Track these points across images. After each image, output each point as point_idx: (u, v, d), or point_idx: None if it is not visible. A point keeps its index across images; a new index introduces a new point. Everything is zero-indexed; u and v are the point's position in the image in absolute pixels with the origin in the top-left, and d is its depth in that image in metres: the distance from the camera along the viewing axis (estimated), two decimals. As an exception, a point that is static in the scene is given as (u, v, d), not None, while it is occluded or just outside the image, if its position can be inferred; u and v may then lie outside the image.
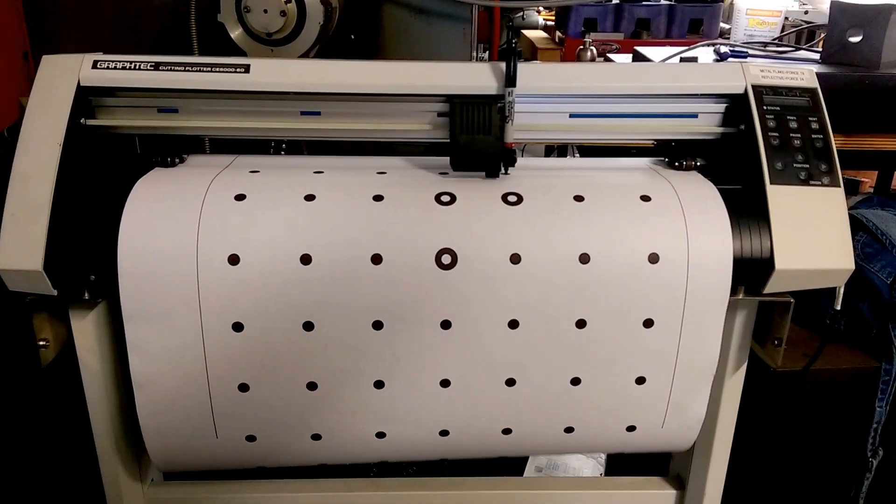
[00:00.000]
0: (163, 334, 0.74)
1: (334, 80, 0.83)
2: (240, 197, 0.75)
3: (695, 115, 0.87)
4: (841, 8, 1.26)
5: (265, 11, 1.21)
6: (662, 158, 0.92)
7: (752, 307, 0.86)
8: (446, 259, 0.74)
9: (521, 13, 3.09)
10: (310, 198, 0.76)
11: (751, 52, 1.35)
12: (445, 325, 0.76)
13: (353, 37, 1.37)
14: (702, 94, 0.86)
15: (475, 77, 0.82)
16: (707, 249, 0.76)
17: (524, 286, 0.75)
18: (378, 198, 0.77)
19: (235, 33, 1.25)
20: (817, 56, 1.33)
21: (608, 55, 1.85)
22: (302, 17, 1.24)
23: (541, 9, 3.18)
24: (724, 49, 1.32)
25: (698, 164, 0.88)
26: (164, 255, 0.72)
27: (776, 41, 1.53)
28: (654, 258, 0.76)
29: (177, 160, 0.85)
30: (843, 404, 1.06)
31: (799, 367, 0.94)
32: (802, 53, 1.38)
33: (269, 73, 0.83)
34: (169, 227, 0.73)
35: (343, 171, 0.83)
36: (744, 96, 0.84)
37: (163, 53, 0.83)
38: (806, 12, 1.95)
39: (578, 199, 0.78)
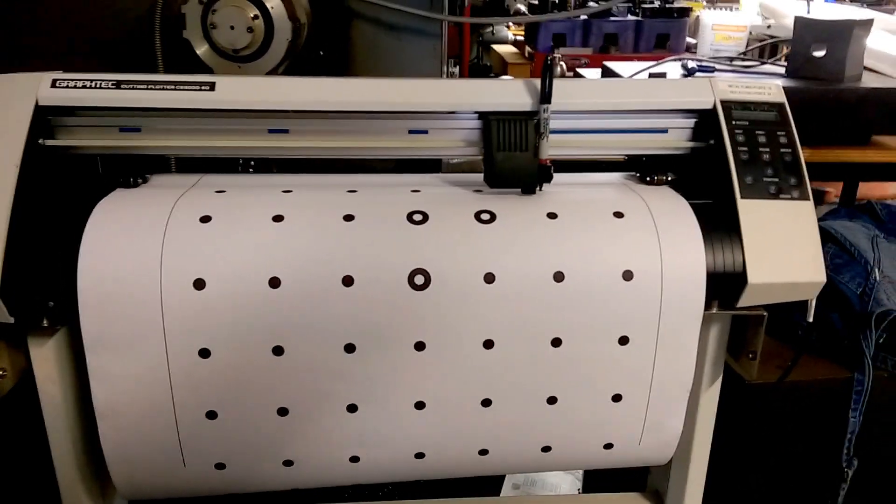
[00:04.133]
0: (126, 362, 0.71)
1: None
2: (205, 219, 0.73)
3: (665, 131, 0.87)
4: (805, 23, 1.28)
5: (231, 28, 1.19)
6: (634, 173, 0.92)
7: (725, 321, 0.86)
8: (419, 279, 0.73)
9: (490, 28, 3.12)
10: (278, 218, 0.74)
11: (717, 66, 1.36)
12: (419, 346, 0.74)
13: (321, 53, 1.36)
14: (671, 110, 0.86)
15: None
16: (680, 265, 0.76)
17: (498, 306, 0.74)
18: (348, 217, 0.75)
19: (201, 50, 1.23)
20: (782, 70, 1.35)
21: (577, 70, 1.86)
22: (269, 33, 1.22)
23: (510, 24, 3.20)
24: (691, 64, 1.33)
25: (669, 178, 0.88)
26: (126, 280, 0.70)
27: (741, 56, 1.55)
28: (628, 275, 0.75)
29: (139, 181, 0.83)
30: (818, 415, 1.07)
31: (773, 378, 0.94)
32: (768, 68, 1.41)
33: (240, 90, 0.81)
34: (131, 251, 0.71)
35: (312, 189, 0.82)
36: (713, 111, 0.84)
37: (128, 70, 0.81)
38: (769, 26, 1.98)
39: (552, 216, 0.77)
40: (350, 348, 0.73)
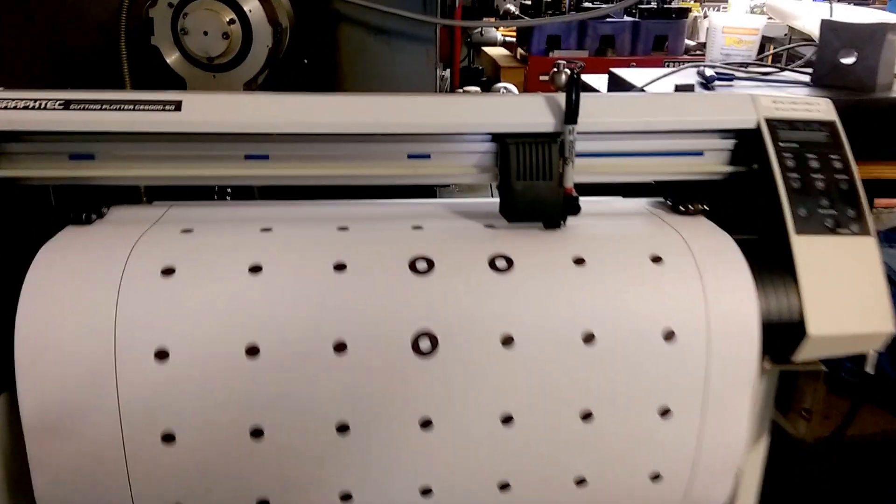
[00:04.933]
0: (73, 448, 0.59)
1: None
2: (168, 271, 0.61)
3: (700, 153, 0.76)
4: (832, 27, 1.18)
5: (205, 33, 1.07)
6: (662, 199, 0.81)
7: (774, 373, 0.75)
8: (425, 344, 0.61)
9: (479, 29, 3.00)
10: (255, 269, 0.62)
11: (737, 74, 1.26)
12: (425, 423, 0.63)
13: (305, 61, 1.24)
14: (708, 130, 0.76)
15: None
16: (730, 319, 0.65)
17: (518, 373, 0.63)
18: (340, 266, 0.63)
19: (172, 58, 1.11)
20: (806, 78, 1.25)
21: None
22: (248, 39, 1.10)
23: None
24: (708, 72, 1.23)
25: (704, 207, 0.77)
26: (73, 349, 0.58)
27: (758, 62, 1.44)
28: (669, 334, 0.64)
29: (93, 216, 0.71)
30: (868, 471, 0.97)
31: (818, 431, 0.84)
32: (789, 75, 1.31)
33: (210, 110, 0.70)
34: (79, 312, 0.59)
35: (296, 227, 0.70)
36: (756, 131, 0.74)
37: (93, 82, 0.69)
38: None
39: (578, 262, 0.66)
40: (343, 428, 0.62)
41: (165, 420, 0.59)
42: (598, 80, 1.55)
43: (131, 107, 0.68)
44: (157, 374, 0.58)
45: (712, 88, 1.17)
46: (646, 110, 0.75)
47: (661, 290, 0.65)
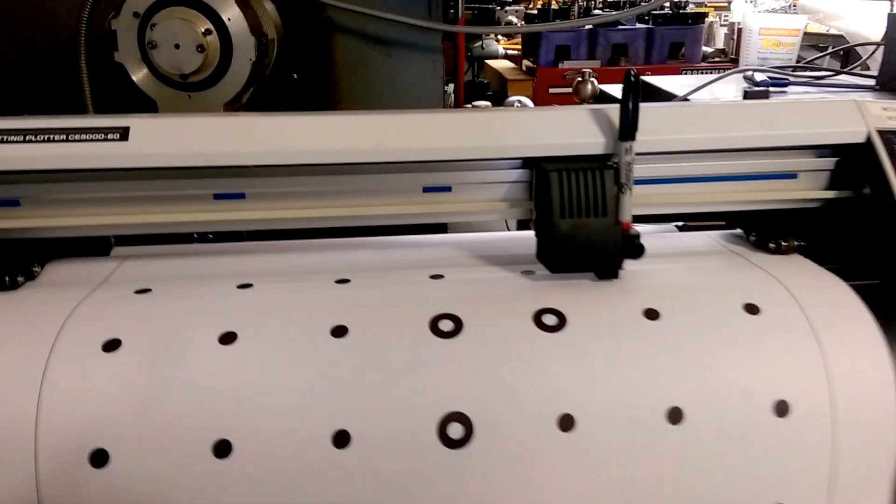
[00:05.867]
0: None
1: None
2: (111, 345, 0.46)
3: (793, 175, 0.61)
4: (902, 22, 1.02)
5: (176, 47, 0.92)
6: (740, 233, 0.65)
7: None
8: (456, 430, 0.46)
9: (480, 42, 2.87)
10: (229, 338, 0.47)
11: (791, 78, 1.10)
12: None
13: (295, 76, 1.09)
14: (803, 146, 0.60)
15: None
16: (861, 387, 0.49)
17: (581, 464, 0.47)
18: (339, 331, 0.48)
19: (139, 76, 0.95)
20: (869, 81, 1.10)
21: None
22: (227, 52, 0.95)
23: (500, 38, 2.96)
24: (759, 76, 1.07)
25: (799, 244, 0.61)
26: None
27: (806, 64, 1.29)
28: (781, 408, 0.48)
29: (20, 278, 0.55)
30: None
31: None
32: (845, 78, 1.15)
33: (166, 139, 0.54)
34: None
35: (283, 281, 0.54)
36: (866, 146, 0.58)
37: (58, 106, 0.54)
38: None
39: (651, 315, 0.50)
40: None
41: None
42: (616, 91, 1.40)
43: (63, 137, 0.53)
44: (93, 483, 0.42)
45: (767, 95, 1.02)
46: (724, 123, 0.59)
47: (766, 349, 0.49)
